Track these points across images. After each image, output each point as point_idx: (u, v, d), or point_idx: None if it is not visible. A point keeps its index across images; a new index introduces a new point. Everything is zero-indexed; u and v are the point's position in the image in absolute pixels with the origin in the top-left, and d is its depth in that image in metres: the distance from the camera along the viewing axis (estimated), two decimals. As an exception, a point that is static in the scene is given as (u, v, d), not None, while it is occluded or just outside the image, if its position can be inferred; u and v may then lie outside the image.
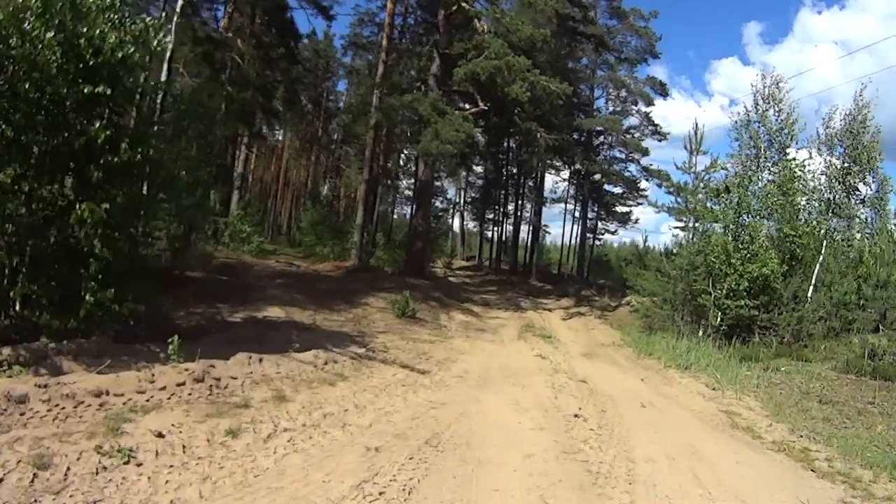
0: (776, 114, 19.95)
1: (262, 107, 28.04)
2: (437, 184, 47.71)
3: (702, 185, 23.35)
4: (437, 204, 49.38)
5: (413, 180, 33.48)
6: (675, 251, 21.95)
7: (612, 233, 43.46)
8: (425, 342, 13.32)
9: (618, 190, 41.47)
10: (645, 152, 37.99)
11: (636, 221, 42.27)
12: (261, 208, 43.82)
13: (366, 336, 12.77)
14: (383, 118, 22.38)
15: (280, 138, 47.71)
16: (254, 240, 26.43)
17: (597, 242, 44.56)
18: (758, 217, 17.62)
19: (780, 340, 16.92)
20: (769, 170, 19.63)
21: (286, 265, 24.18)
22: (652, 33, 34.05)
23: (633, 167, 39.63)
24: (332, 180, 44.64)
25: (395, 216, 46.14)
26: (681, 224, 25.37)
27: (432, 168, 24.74)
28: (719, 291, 17.05)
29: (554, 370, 11.80)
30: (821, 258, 19.77)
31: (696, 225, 21.19)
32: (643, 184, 39.78)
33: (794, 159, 19.81)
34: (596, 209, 42.49)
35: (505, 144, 39.98)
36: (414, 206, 27.83)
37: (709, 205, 20.17)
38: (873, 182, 21.20)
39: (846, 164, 20.89)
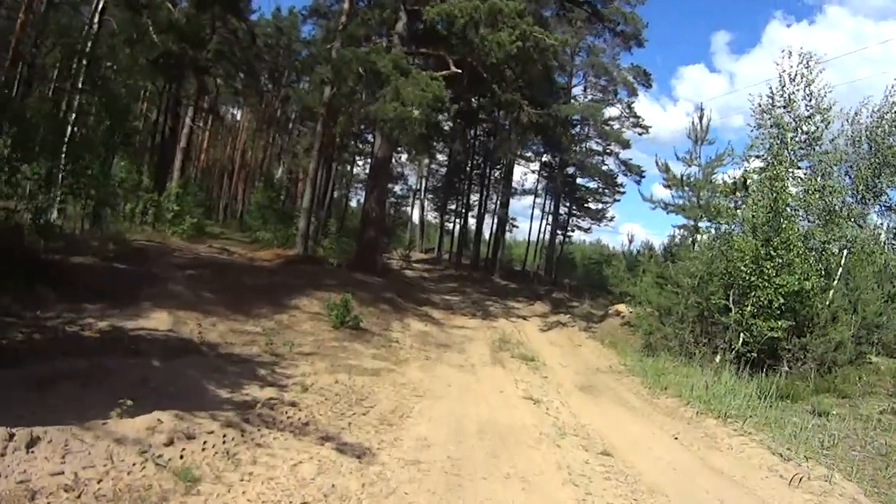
0: (806, 97, 16.42)
1: (193, 61, 23.54)
2: (399, 170, 44.14)
3: (709, 179, 19.93)
4: (397, 190, 45.81)
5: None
6: (680, 253, 18.34)
7: (586, 230, 40.20)
8: (366, 373, 9.22)
9: (593, 185, 38.50)
10: (626, 144, 34.95)
11: (611, 219, 39.01)
12: (208, 188, 41.30)
13: (278, 364, 8.67)
14: (333, 75, 18.08)
15: (239, 118, 45.68)
16: (186, 220, 22.18)
17: (567, 240, 41.10)
18: (793, 219, 14.05)
19: (814, 370, 13.66)
20: (795, 164, 16.12)
21: (219, 251, 20.15)
22: (638, 19, 30.38)
23: (610, 161, 36.60)
24: (287, 163, 40.64)
25: (352, 204, 42.81)
26: (685, 222, 21.76)
27: (391, 142, 20.57)
28: (746, 308, 13.47)
29: (557, 429, 7.89)
30: (839, 270, 16.57)
31: (707, 225, 17.70)
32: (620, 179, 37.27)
33: (828, 152, 16.45)
34: (568, 204, 39.15)
35: (472, 131, 36.58)
36: (367, 189, 23.75)
37: (721, 201, 16.65)
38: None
39: (877, 164, 17.73)
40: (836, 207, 16.64)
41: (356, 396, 7.85)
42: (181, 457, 4.82)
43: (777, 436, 9.13)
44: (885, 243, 19.03)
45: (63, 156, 13.35)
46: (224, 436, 5.40)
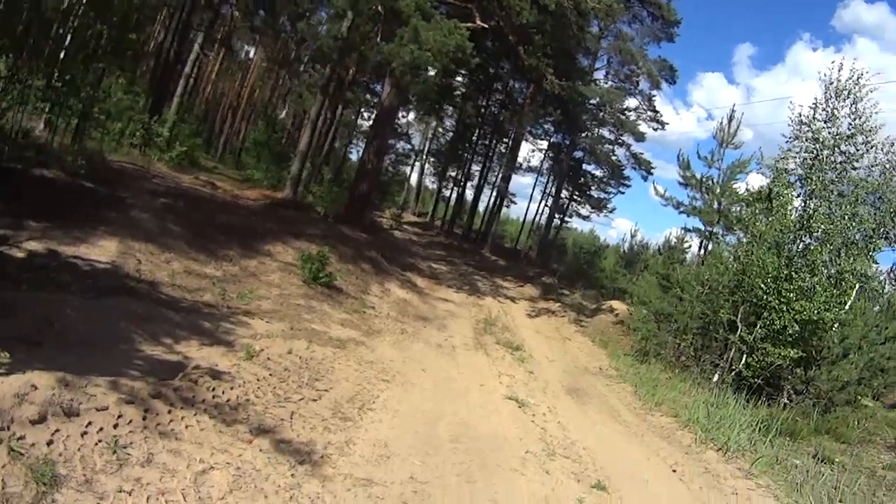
0: (851, 115, 15.00)
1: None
2: (404, 129, 42.44)
3: (730, 184, 18.59)
4: (399, 148, 44.16)
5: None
6: (687, 259, 17.14)
7: (585, 217, 38.79)
8: (329, 343, 7.92)
9: (599, 172, 37.10)
10: (640, 137, 33.41)
11: (612, 210, 37.56)
12: (210, 121, 40.25)
13: (229, 319, 7.33)
14: (350, 6, 16.45)
15: (252, 55, 43.79)
16: (176, 148, 20.57)
17: (563, 224, 39.68)
18: (825, 243, 12.78)
19: (815, 407, 12.61)
20: (826, 186, 14.73)
21: (203, 184, 18.62)
22: (674, 12, 28.53)
23: (620, 151, 35.16)
24: (293, 104, 38.91)
25: (352, 157, 41.64)
26: (696, 226, 20.45)
27: (400, 90, 19.09)
28: (757, 329, 12.30)
29: (545, 446, 6.67)
30: (849, 304, 15.43)
31: (722, 233, 16.48)
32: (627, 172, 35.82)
33: (864, 179, 15.09)
34: (570, 189, 37.79)
35: (485, 100, 34.99)
36: (368, 139, 22.28)
37: (745, 211, 15.35)
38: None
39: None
40: (858, 238, 15.44)
41: (310, 374, 6.52)
42: (49, 442, 3.49)
43: (782, 482, 8.14)
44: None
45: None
46: (119, 416, 4.01)
